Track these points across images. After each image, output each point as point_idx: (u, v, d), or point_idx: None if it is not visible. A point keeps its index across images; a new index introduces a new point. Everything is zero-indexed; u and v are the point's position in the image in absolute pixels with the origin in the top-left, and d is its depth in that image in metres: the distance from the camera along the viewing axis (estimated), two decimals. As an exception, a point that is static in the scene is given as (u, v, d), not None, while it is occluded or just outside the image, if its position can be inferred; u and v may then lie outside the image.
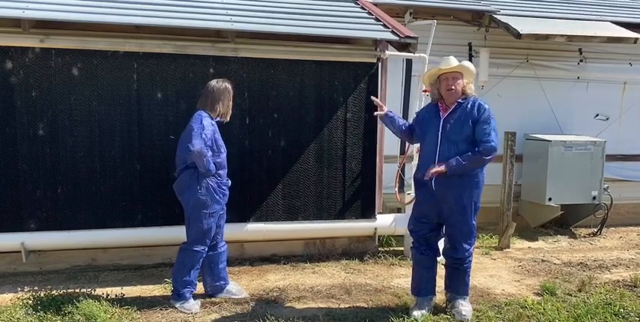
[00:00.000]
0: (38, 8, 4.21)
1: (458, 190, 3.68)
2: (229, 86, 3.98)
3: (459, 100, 3.70)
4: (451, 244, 3.86)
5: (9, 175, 4.31)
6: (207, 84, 3.96)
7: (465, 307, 3.88)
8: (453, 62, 3.67)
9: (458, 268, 3.87)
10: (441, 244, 4.02)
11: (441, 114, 3.75)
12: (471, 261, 3.88)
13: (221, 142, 3.94)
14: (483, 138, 3.62)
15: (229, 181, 4.05)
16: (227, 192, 4.03)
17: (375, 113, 4.09)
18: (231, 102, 4.00)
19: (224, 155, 3.96)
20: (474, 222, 3.80)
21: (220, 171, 3.93)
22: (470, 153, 3.62)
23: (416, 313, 3.82)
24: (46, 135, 4.35)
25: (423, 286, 3.93)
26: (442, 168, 3.60)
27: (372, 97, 4.24)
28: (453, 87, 3.66)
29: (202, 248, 3.94)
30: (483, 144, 3.62)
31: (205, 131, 3.74)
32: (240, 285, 4.34)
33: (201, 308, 3.93)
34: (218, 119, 3.95)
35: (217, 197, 3.92)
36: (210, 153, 3.79)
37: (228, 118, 4.03)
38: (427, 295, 3.94)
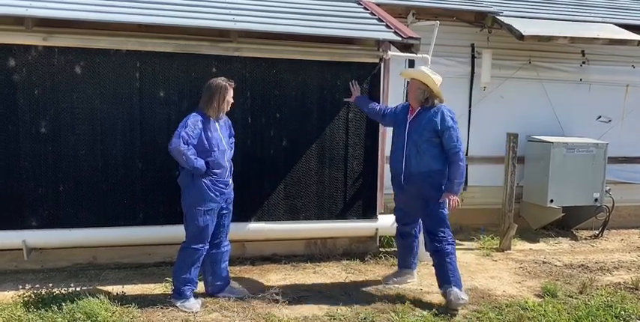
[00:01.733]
0: (41, 6, 4.21)
1: (423, 184, 4.11)
2: (222, 83, 3.91)
3: (425, 106, 4.10)
4: (428, 233, 4.19)
5: (11, 173, 4.32)
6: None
7: (458, 294, 4.04)
8: (412, 70, 4.26)
9: (440, 256, 4.12)
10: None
11: (408, 116, 4.22)
12: (451, 247, 4.13)
13: (216, 141, 3.90)
14: (450, 145, 4.03)
15: (229, 179, 4.04)
16: (226, 191, 4.01)
17: (345, 99, 4.74)
18: (224, 100, 3.92)
19: (217, 153, 3.90)
20: (445, 211, 4.14)
21: (216, 170, 3.90)
22: (450, 169, 4.05)
23: (387, 279, 4.52)
24: (49, 133, 4.36)
25: (402, 260, 4.61)
26: (454, 198, 4.07)
27: (351, 83, 4.76)
28: (410, 90, 4.18)
29: (201, 246, 3.93)
30: (452, 153, 4.04)
31: (187, 129, 3.74)
32: (241, 285, 4.34)
33: (202, 308, 3.92)
34: (213, 117, 3.92)
35: (212, 195, 3.89)
36: (191, 152, 3.75)
37: (221, 115, 3.98)
38: (405, 268, 4.57)
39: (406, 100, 4.27)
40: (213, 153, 3.89)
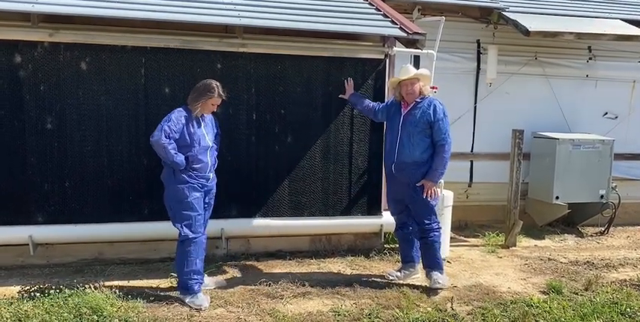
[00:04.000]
0: (48, 2, 4.21)
1: (414, 173, 4.30)
2: (212, 86, 3.92)
3: (417, 100, 4.34)
4: (415, 221, 4.43)
5: (17, 169, 4.34)
6: None
7: (439, 277, 4.35)
8: (411, 71, 4.32)
9: (425, 242, 4.39)
10: None
11: (402, 110, 4.40)
12: (436, 236, 4.38)
13: (197, 137, 3.91)
14: (439, 137, 4.26)
15: (210, 174, 4.04)
16: (208, 184, 4.03)
17: (340, 96, 4.85)
18: (206, 102, 3.91)
19: (198, 149, 3.91)
20: (432, 200, 4.35)
21: (195, 165, 3.92)
22: (434, 158, 4.27)
23: (391, 273, 4.58)
24: (54, 129, 4.37)
25: (403, 255, 4.67)
26: (432, 185, 4.27)
27: (345, 80, 4.84)
28: (411, 91, 4.32)
29: (199, 234, 3.95)
30: (439, 144, 4.27)
31: (170, 123, 3.81)
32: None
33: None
34: (194, 113, 3.92)
35: (195, 185, 3.93)
36: (171, 146, 3.79)
37: (201, 115, 3.97)
38: (407, 262, 4.62)
39: (401, 99, 4.41)
40: (194, 148, 3.91)
